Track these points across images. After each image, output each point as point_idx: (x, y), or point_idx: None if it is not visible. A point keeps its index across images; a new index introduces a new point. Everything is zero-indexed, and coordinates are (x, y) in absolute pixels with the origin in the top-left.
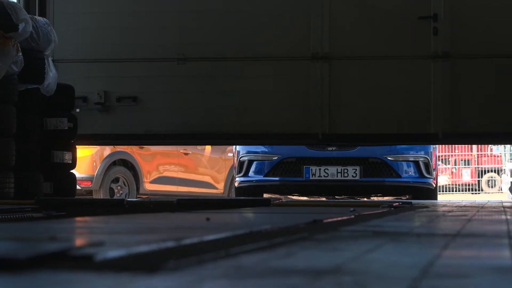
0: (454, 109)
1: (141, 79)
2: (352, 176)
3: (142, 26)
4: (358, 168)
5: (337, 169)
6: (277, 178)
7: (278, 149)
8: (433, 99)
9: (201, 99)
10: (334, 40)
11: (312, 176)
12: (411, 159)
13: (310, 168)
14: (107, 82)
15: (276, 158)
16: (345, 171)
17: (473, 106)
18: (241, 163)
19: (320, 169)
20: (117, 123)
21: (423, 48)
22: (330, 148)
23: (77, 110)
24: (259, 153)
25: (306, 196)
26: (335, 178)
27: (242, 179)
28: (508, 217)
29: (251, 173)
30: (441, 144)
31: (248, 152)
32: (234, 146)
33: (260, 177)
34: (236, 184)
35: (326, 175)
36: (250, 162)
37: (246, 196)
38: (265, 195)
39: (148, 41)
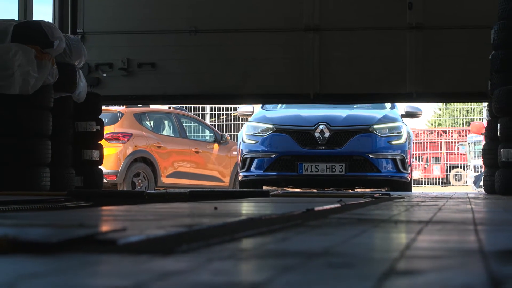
0: (426, 73)
1: (158, 48)
2: (339, 171)
3: (159, 3)
4: (344, 164)
5: (326, 165)
6: (274, 173)
7: (276, 148)
8: (408, 64)
9: (210, 65)
10: (323, 14)
11: (305, 171)
12: (389, 156)
13: (303, 164)
14: (129, 51)
15: (274, 155)
16: (333, 167)
17: (442, 70)
18: (244, 160)
19: (311, 165)
20: (138, 86)
21: (399, 20)
22: (320, 147)
23: (104, 75)
24: (259, 152)
25: (299, 188)
26: (324, 173)
27: (245, 173)
28: (473, 206)
29: (252, 168)
30: (415, 102)
31: (250, 151)
32: (238, 146)
33: (260, 172)
34: (240, 178)
35: (317, 170)
36: (252, 159)
37: (249, 188)
38: (265, 187)
39: (165, 16)
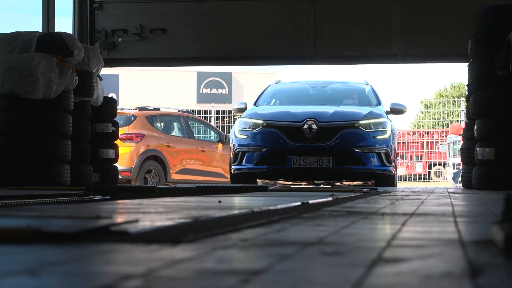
0: (409, 36)
1: (169, 15)
2: (326, 164)
3: None
4: (331, 158)
5: (314, 158)
6: (265, 166)
7: (266, 143)
8: (393, 28)
9: (214, 30)
10: None
11: (293, 165)
12: (374, 150)
13: (292, 158)
14: (143, 18)
15: (264, 149)
16: (320, 160)
17: (424, 34)
18: (236, 154)
19: (300, 159)
20: (150, 49)
21: None
22: (308, 142)
23: (119, 39)
24: (250, 146)
25: (289, 181)
26: (312, 166)
27: (236, 167)
28: (452, 200)
29: (244, 162)
30: (400, 63)
31: (242, 145)
32: (230, 140)
33: (251, 165)
34: (232, 171)
35: (305, 163)
36: (243, 153)
37: (240, 181)
38: (258, 181)
39: None
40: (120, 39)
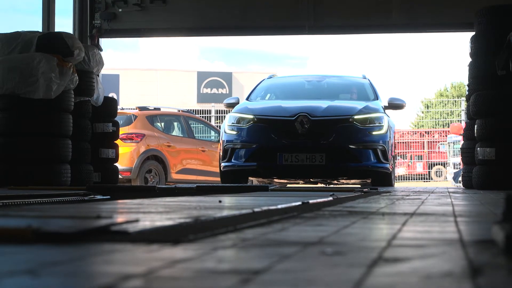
0: (411, 5)
1: None
2: (319, 161)
3: None
4: (324, 154)
5: (306, 155)
6: (255, 163)
7: (256, 139)
8: None
9: (214, 0)
10: None
11: (284, 162)
12: (370, 147)
13: (283, 154)
14: None
15: (254, 146)
16: (313, 157)
17: (425, 3)
18: (225, 150)
19: (291, 156)
20: (151, 20)
21: None
22: (300, 138)
23: (120, 10)
24: (240, 142)
25: (282, 179)
26: (304, 163)
27: (226, 164)
28: (453, 200)
29: (233, 159)
30: (401, 32)
31: (231, 141)
32: (220, 136)
33: (241, 162)
34: (221, 168)
35: (297, 160)
36: (233, 150)
37: (229, 178)
38: (256, 181)
39: None
40: (120, 10)
